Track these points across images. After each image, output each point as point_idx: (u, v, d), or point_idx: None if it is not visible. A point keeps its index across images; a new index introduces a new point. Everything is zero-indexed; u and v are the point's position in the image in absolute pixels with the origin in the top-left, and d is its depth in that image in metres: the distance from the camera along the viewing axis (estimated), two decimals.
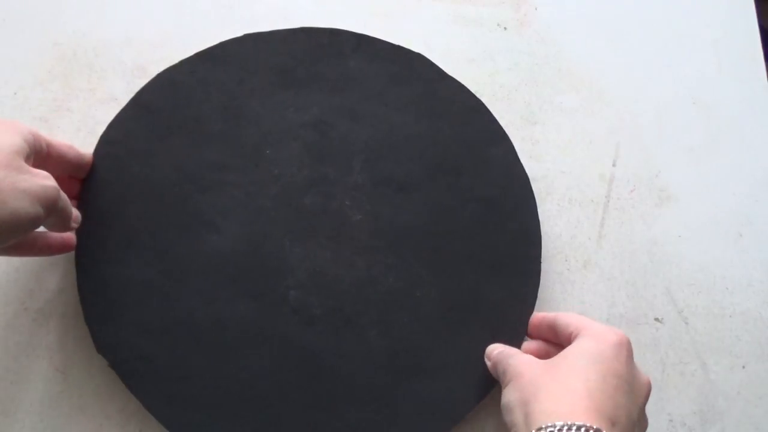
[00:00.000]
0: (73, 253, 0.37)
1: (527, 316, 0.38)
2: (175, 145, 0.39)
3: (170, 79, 0.40)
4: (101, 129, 0.39)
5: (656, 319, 0.42)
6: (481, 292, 0.38)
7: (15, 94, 0.42)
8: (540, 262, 0.40)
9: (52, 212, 0.31)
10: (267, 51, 0.42)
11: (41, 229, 0.33)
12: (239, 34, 0.42)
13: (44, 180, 0.30)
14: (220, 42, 0.41)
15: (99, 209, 0.37)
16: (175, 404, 0.35)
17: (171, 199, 0.38)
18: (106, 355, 0.35)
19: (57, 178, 0.31)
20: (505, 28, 0.48)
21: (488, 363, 0.36)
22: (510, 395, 0.32)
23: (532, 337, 0.38)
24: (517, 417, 0.30)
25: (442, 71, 0.43)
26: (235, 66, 0.41)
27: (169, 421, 0.35)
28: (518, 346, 0.38)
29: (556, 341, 0.36)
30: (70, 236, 0.36)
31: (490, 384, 0.37)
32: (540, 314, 0.38)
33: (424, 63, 0.43)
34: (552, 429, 0.27)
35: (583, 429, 0.27)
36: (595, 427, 0.27)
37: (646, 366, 0.41)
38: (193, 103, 0.40)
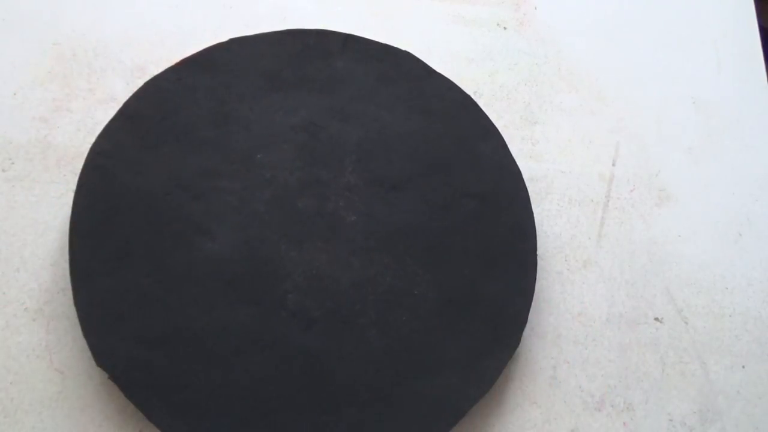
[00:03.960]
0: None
1: (526, 309, 0.38)
2: (165, 153, 0.39)
3: (157, 87, 0.40)
4: (101, 129, 0.39)
5: (656, 319, 0.42)
6: (479, 288, 0.38)
7: (15, 94, 0.42)
8: (536, 255, 0.40)
9: None
10: (254, 55, 0.41)
11: None
12: (240, 33, 0.42)
13: None
14: (205, 48, 0.41)
15: (91, 221, 0.37)
16: (177, 413, 0.35)
17: (164, 207, 0.38)
18: (106, 368, 0.35)
19: None
20: (504, 28, 0.48)
21: None
22: None
23: None
24: None
25: (430, 68, 0.43)
26: (222, 71, 0.41)
27: (171, 430, 0.35)
28: (517, 340, 0.38)
29: None
30: None
31: (492, 379, 0.37)
32: None
33: (412, 61, 0.43)
34: None
35: None
36: None
37: (646, 366, 0.41)
38: (181, 111, 0.40)
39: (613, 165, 0.45)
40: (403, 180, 0.40)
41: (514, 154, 0.42)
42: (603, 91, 0.47)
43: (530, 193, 0.41)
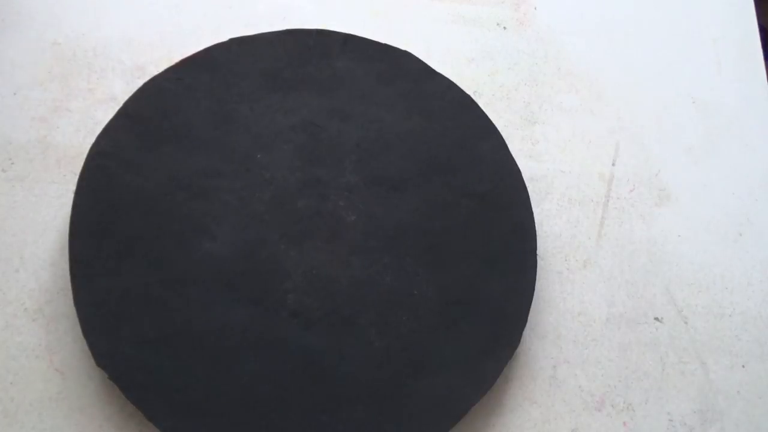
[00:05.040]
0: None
1: (526, 309, 0.38)
2: (165, 153, 0.39)
3: (157, 87, 0.40)
4: (101, 129, 0.39)
5: (656, 319, 0.42)
6: (479, 288, 0.39)
7: (15, 94, 0.42)
8: (536, 255, 0.40)
9: None
10: (253, 55, 0.42)
11: None
12: (240, 33, 0.42)
13: None
14: (205, 47, 0.41)
15: (92, 221, 0.37)
16: (178, 414, 0.35)
17: (164, 207, 0.38)
18: (105, 368, 0.35)
19: None
20: (504, 28, 0.48)
21: None
22: None
23: None
24: None
25: (430, 68, 0.43)
26: (222, 71, 0.41)
27: (171, 430, 0.35)
28: (517, 339, 0.38)
29: None
30: None
31: (492, 379, 0.37)
32: None
33: (412, 61, 0.43)
34: None
35: None
36: None
37: (646, 366, 0.41)
38: (181, 111, 0.40)
39: (613, 165, 0.45)
40: (403, 180, 0.40)
41: (514, 154, 0.42)
42: (603, 91, 0.47)
43: (530, 193, 0.41)
